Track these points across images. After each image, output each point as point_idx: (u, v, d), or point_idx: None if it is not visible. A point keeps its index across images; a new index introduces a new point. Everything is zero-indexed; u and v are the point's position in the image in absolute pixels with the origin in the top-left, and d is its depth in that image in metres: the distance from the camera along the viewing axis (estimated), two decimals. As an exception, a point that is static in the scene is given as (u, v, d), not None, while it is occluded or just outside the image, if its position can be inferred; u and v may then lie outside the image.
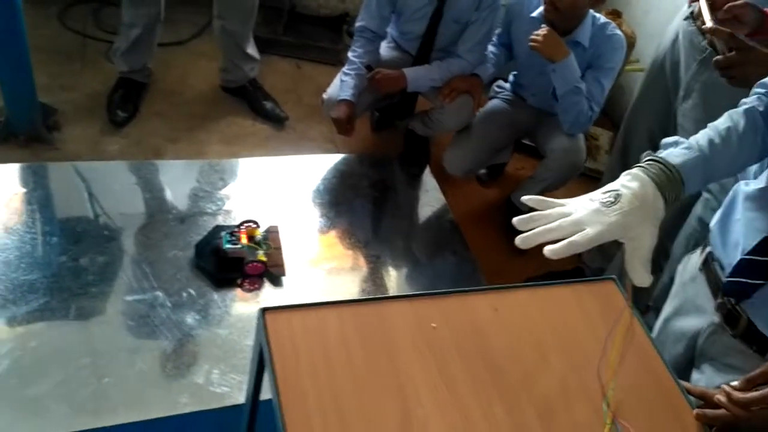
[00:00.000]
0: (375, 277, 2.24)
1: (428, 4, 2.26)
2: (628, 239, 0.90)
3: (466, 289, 1.12)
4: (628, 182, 0.93)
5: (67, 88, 2.56)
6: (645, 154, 1.00)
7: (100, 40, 2.80)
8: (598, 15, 2.15)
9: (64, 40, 2.81)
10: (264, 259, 2.07)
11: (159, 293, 1.97)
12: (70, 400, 1.68)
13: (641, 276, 0.90)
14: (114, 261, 2.03)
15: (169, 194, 2.30)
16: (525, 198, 0.94)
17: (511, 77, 2.47)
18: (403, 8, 2.31)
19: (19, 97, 2.23)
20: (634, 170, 0.94)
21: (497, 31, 2.37)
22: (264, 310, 1.00)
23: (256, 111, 2.69)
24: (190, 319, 1.92)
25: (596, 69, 2.12)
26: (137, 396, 1.73)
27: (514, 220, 0.90)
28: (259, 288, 2.04)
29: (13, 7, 2.02)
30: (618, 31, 2.16)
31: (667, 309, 1.37)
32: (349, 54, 2.36)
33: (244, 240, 2.07)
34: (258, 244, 2.09)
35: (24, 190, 2.17)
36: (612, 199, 0.91)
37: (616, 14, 2.78)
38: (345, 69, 2.34)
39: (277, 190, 2.42)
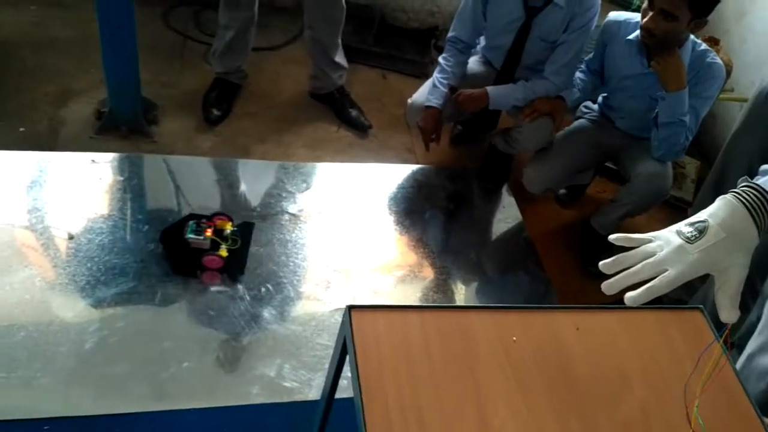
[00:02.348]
0: (444, 288, 2.25)
1: (517, 18, 2.27)
2: (716, 272, 0.89)
3: (549, 306, 1.13)
4: (718, 210, 0.91)
5: (167, 85, 2.69)
6: (741, 180, 0.98)
7: (200, 42, 2.93)
8: (698, 41, 2.10)
9: (166, 39, 2.95)
10: (224, 254, 2.06)
11: (240, 286, 2.05)
12: (150, 381, 1.77)
13: (728, 311, 0.88)
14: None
15: (253, 192, 2.39)
16: (612, 237, 0.94)
17: (600, 99, 2.44)
18: (492, 20, 2.33)
19: (124, 90, 2.36)
20: (728, 196, 0.92)
21: (588, 56, 2.34)
22: (351, 308, 1.03)
23: (342, 118, 2.76)
24: (267, 313, 1.99)
25: (693, 97, 2.06)
26: (212, 383, 1.81)
27: (601, 264, 0.91)
28: (219, 282, 2.04)
29: (127, 6, 2.14)
30: (718, 60, 2.10)
31: (752, 345, 1.33)
32: (441, 61, 2.38)
33: (209, 232, 2.06)
34: (224, 238, 2.08)
35: (121, 178, 2.30)
36: (697, 233, 0.89)
37: (713, 41, 2.70)
38: (437, 76, 2.37)
39: (355, 195, 2.47)
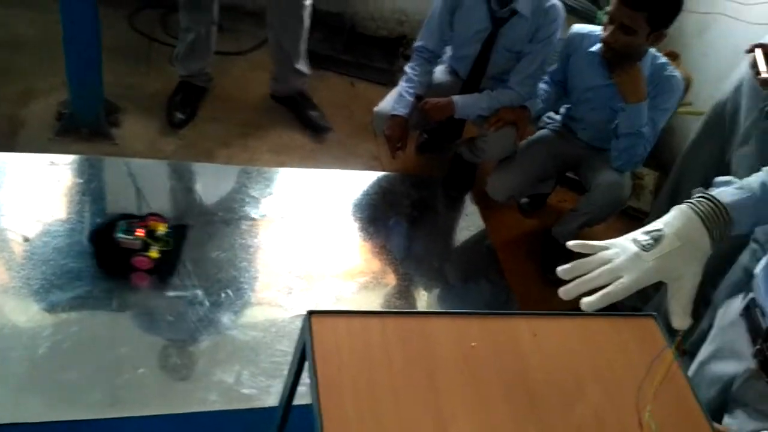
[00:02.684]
0: (406, 295, 2.26)
1: (484, 29, 2.29)
2: (670, 280, 0.91)
3: (507, 312, 1.14)
4: (673, 219, 0.93)
5: (131, 88, 2.65)
6: (696, 190, 1.01)
7: (166, 44, 2.89)
8: (658, 54, 2.15)
9: (132, 41, 2.91)
10: (155, 255, 2.02)
11: (198, 291, 2.02)
12: (104, 387, 1.73)
13: (680, 318, 0.90)
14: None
15: (216, 197, 2.36)
16: (570, 243, 0.96)
17: (562, 109, 2.49)
18: (459, 29, 2.35)
19: (86, 92, 2.32)
20: (683, 206, 0.95)
21: (552, 68, 2.39)
22: (311, 313, 1.03)
23: (301, 120, 2.75)
24: (226, 319, 1.97)
25: (652, 108, 2.12)
26: (169, 389, 1.78)
27: (558, 270, 0.93)
28: (148, 284, 2.01)
29: (90, 7, 2.11)
30: (677, 73, 2.16)
31: (703, 352, 1.35)
32: (408, 71, 2.40)
33: (140, 233, 2.02)
34: (156, 239, 2.05)
35: (80, 181, 2.25)
36: (652, 241, 0.92)
37: (673, 56, 2.77)
38: (403, 85, 2.38)
39: (319, 201, 2.46)
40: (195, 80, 2.63)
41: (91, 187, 2.24)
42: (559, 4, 2.29)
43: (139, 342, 1.86)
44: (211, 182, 2.41)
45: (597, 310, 0.91)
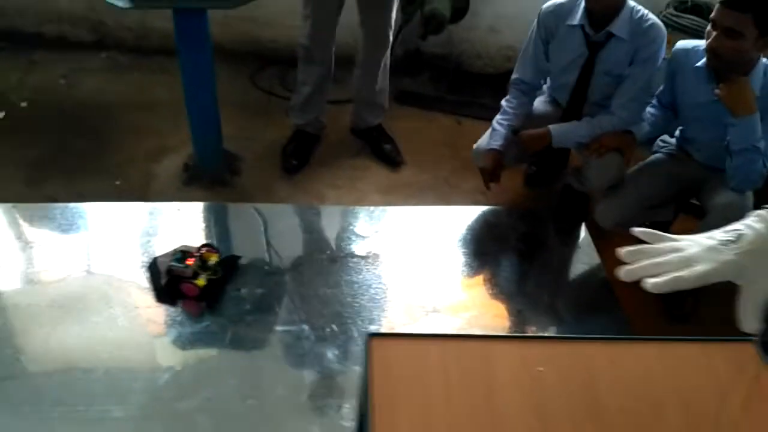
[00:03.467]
0: (515, 332, 2.18)
1: (580, 55, 2.24)
2: (744, 282, 0.83)
3: (581, 336, 1.08)
4: (754, 222, 0.85)
5: (251, 139, 2.86)
6: None
7: (284, 98, 3.10)
8: (774, 64, 1.98)
9: (253, 97, 3.16)
10: (201, 283, 2.08)
11: (305, 326, 2.10)
12: (216, 417, 1.83)
13: (750, 322, 0.81)
14: (270, 294, 2.20)
15: (325, 236, 2.46)
16: (637, 230, 0.89)
17: (677, 131, 2.34)
18: (555, 59, 2.31)
19: (207, 145, 2.55)
20: (763, 211, 0.87)
21: (659, 90, 2.27)
22: (370, 336, 1.04)
23: (375, 153, 2.84)
24: (329, 353, 2.02)
25: None
26: (275, 421, 1.84)
27: (622, 251, 0.85)
28: (196, 311, 2.07)
29: (207, 67, 2.33)
30: (798, 82, 1.97)
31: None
32: (503, 104, 2.40)
33: (190, 261, 2.09)
34: (206, 268, 2.10)
35: (203, 225, 2.45)
36: (732, 239, 0.84)
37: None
38: (498, 118, 2.38)
39: (424, 237, 2.48)
40: (308, 128, 2.79)
41: (211, 231, 2.43)
42: (660, 23, 2.18)
43: (248, 374, 1.96)
44: (321, 222, 2.52)
45: (686, 333, 0.82)
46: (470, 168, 2.78)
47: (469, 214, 2.62)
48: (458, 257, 2.43)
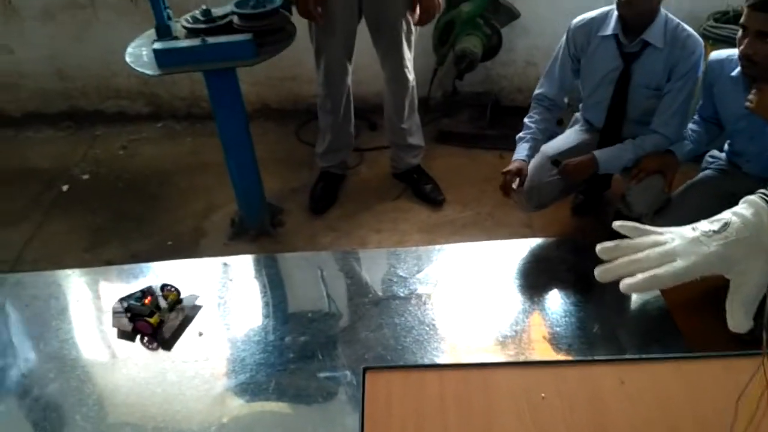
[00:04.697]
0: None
1: (615, 68, 2.18)
2: (733, 274, 0.75)
3: (589, 358, 1.02)
4: (742, 209, 0.78)
5: (295, 191, 2.93)
6: None
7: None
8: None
9: (298, 151, 3.24)
10: (153, 321, 2.18)
11: (347, 372, 2.08)
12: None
13: (739, 320, 0.73)
14: (313, 340, 2.21)
15: (368, 280, 2.46)
16: (617, 224, 0.82)
17: (726, 146, 2.22)
18: (588, 74, 2.26)
19: (250, 200, 2.62)
20: (754, 197, 0.79)
21: (699, 104, 2.17)
22: (366, 369, 1.02)
23: (417, 194, 2.85)
24: (371, 397, 1.98)
25: None
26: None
27: (598, 247, 0.79)
28: (154, 347, 2.19)
29: (241, 124, 2.42)
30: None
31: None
32: (526, 120, 2.38)
33: (148, 300, 2.22)
34: (160, 308, 2.23)
35: (248, 277, 2.50)
36: (716, 228, 0.76)
37: None
38: (521, 134, 2.36)
39: (468, 274, 2.43)
40: (334, 169, 2.87)
41: (256, 283, 2.47)
42: (696, 35, 2.11)
43: (292, 423, 1.95)
44: (363, 267, 2.52)
45: (706, 348, 0.76)
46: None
47: (516, 247, 2.55)
48: (506, 292, 2.36)
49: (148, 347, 2.21)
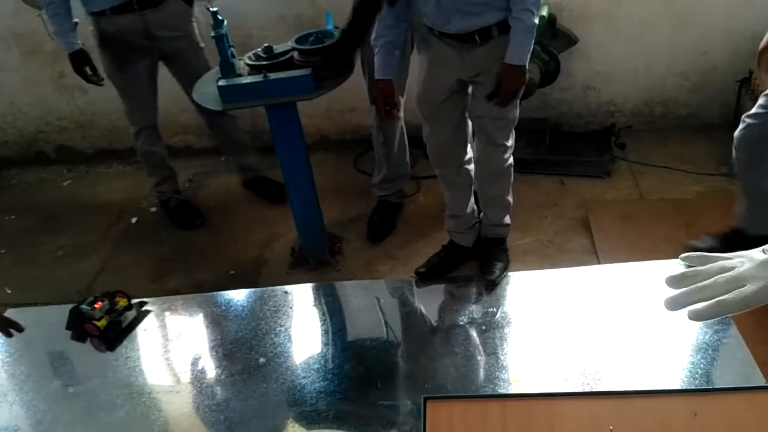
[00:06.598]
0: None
1: None
2: None
3: (658, 390, 0.98)
4: None
5: (353, 220, 2.97)
6: None
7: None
8: None
9: (356, 181, 3.29)
10: (102, 324, 2.19)
11: (408, 402, 2.05)
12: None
13: None
14: (372, 369, 2.19)
15: (426, 308, 2.43)
16: (683, 256, 0.81)
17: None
18: None
19: (310, 230, 2.67)
20: None
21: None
22: (426, 399, 1.01)
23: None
24: (431, 428, 1.95)
25: None
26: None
27: (666, 278, 0.78)
28: (103, 349, 2.16)
29: (301, 156, 2.48)
30: None
31: None
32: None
33: (98, 305, 2.20)
34: (111, 312, 2.21)
35: (308, 306, 2.52)
36: None
37: None
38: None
39: (529, 304, 2.38)
40: (391, 198, 2.88)
41: (316, 311, 2.49)
42: None
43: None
44: (419, 295, 2.50)
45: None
46: (577, 227, 2.69)
47: (579, 275, 2.48)
48: (570, 321, 2.29)
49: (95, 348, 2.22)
